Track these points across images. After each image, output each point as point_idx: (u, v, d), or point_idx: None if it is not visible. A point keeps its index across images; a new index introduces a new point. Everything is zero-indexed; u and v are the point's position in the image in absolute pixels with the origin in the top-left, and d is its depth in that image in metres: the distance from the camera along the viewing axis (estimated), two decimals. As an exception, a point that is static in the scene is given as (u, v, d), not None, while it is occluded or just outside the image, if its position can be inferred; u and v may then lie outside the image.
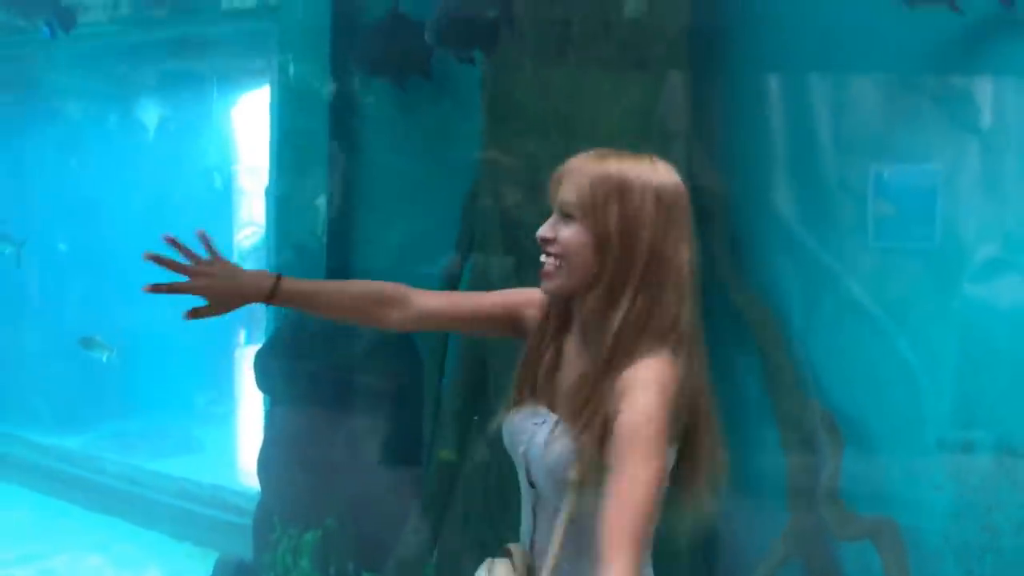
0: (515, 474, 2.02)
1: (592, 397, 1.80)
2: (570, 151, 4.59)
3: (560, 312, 1.98)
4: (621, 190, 1.85)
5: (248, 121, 8.79)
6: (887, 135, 4.29)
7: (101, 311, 8.44)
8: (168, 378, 8.62)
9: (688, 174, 4.20)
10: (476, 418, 4.73)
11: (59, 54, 8.01)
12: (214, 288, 1.96)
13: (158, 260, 1.91)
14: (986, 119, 4.12)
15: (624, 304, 1.82)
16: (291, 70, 5.94)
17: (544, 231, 1.89)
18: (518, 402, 1.99)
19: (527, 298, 2.08)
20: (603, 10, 4.49)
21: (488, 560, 1.99)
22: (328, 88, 5.64)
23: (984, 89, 4.11)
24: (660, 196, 1.86)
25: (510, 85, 4.65)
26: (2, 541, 6.68)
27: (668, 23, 4.43)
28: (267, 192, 6.69)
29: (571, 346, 1.97)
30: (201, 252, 1.97)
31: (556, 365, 1.97)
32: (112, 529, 7.00)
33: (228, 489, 6.94)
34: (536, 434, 1.91)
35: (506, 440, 2.01)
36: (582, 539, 1.79)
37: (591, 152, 1.97)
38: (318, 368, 5.47)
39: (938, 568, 4.12)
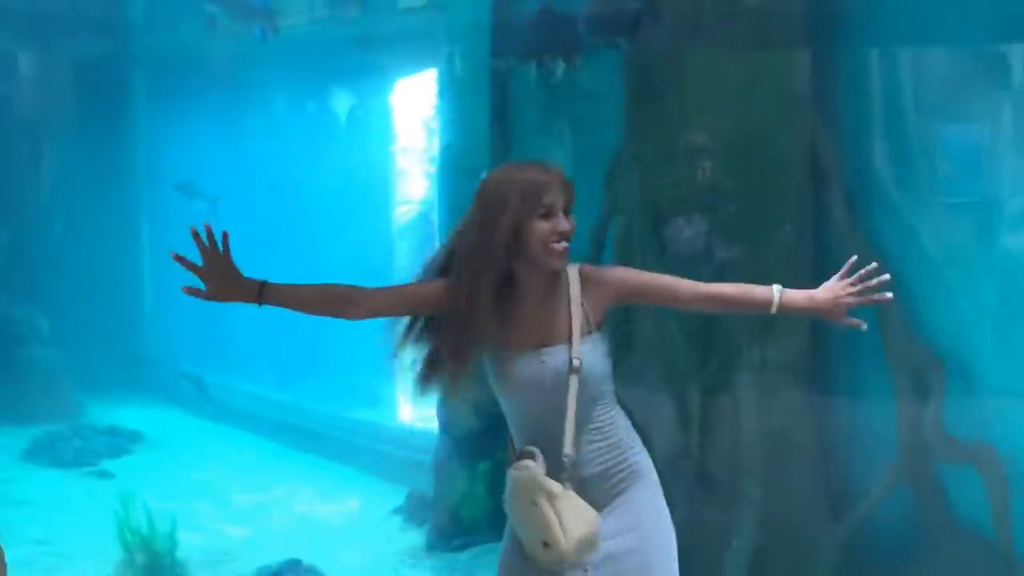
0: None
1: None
2: (702, 126, 5.17)
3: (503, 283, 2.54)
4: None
5: (409, 105, 9.43)
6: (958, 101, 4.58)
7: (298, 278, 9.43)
8: (354, 340, 9.50)
9: (811, 142, 4.72)
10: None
11: (266, 52, 8.95)
12: (213, 277, 2.43)
13: (179, 260, 2.41)
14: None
15: None
16: (456, 60, 6.61)
17: (568, 226, 2.50)
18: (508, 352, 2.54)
19: (436, 288, 2.57)
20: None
21: (513, 466, 2.53)
22: (488, 75, 6.24)
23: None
24: None
25: (649, 67, 5.15)
26: (237, 475, 7.80)
27: (788, 6, 4.84)
28: (437, 169, 7.35)
29: (530, 303, 2.55)
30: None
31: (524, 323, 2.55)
32: (318, 467, 7.92)
33: (413, 431, 7.70)
34: (538, 362, 2.51)
35: (522, 381, 2.53)
36: (588, 410, 2.50)
37: (541, 164, 2.56)
38: None
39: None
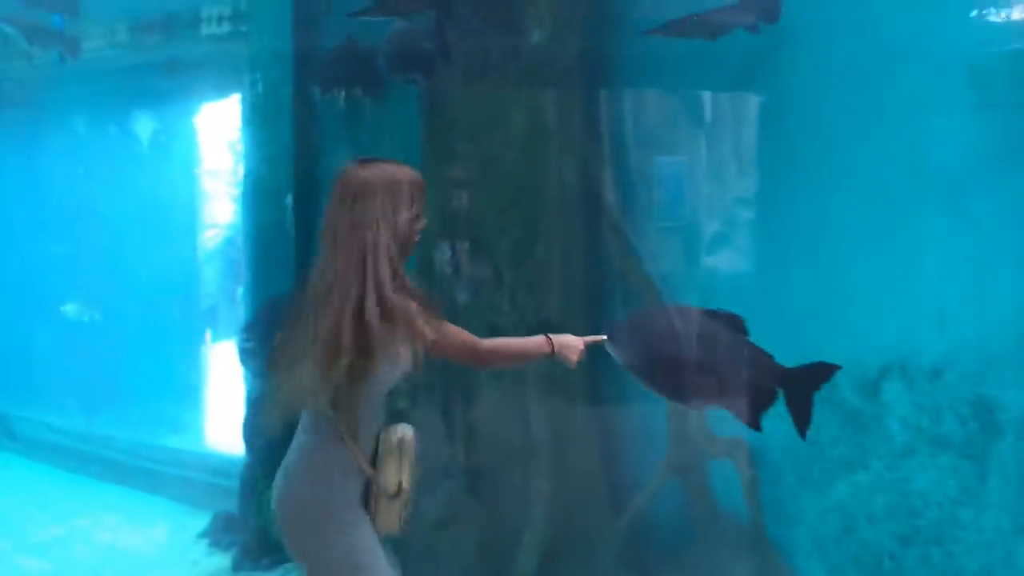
0: None
1: None
2: (490, 154, 5.58)
3: None
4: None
5: (213, 130, 9.49)
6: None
7: (100, 303, 9.25)
8: (156, 367, 9.31)
9: (582, 171, 5.21)
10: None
11: (66, 74, 8.77)
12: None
13: None
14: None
15: None
16: (260, 87, 6.73)
17: None
18: None
19: None
20: (514, 38, 5.38)
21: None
22: (290, 103, 6.43)
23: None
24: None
25: (443, 101, 5.54)
26: (36, 508, 7.54)
27: (561, 48, 5.31)
28: (242, 193, 7.44)
29: None
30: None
31: None
32: (123, 496, 7.76)
33: (217, 456, 7.67)
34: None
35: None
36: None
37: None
38: None
39: (778, 479, 5.01)
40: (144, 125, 9.85)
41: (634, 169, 5.30)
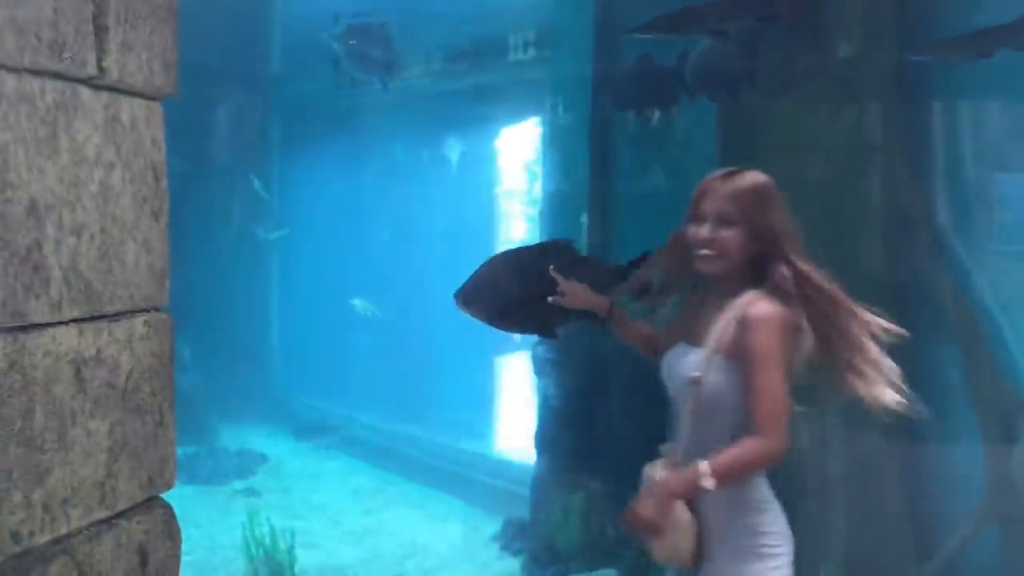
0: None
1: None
2: (793, 171, 5.41)
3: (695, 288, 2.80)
4: (768, 197, 2.62)
5: (513, 152, 9.95)
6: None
7: (415, 314, 9.97)
8: (457, 375, 9.90)
9: (889, 189, 4.90)
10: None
11: (386, 102, 9.58)
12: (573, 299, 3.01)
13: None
14: None
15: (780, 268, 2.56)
16: (560, 110, 6.98)
17: (706, 233, 2.61)
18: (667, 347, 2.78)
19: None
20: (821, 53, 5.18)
21: (651, 463, 2.74)
22: (588, 125, 6.58)
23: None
24: (779, 194, 2.64)
25: (741, 115, 5.45)
26: (351, 499, 8.29)
27: (875, 62, 5.06)
28: (540, 212, 7.71)
29: (708, 307, 2.68)
30: None
31: (696, 318, 2.73)
32: (424, 494, 8.30)
33: (510, 463, 8.01)
34: (681, 359, 2.67)
35: (664, 372, 2.77)
36: (704, 430, 2.57)
37: (720, 173, 2.69)
38: (582, 367, 6.41)
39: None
40: (453, 148, 10.53)
41: (971, 187, 4.89)
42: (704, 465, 2.44)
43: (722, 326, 2.56)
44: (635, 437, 6.08)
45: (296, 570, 5.95)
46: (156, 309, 1.76)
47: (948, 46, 4.72)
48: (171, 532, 1.85)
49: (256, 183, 10.63)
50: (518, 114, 9.02)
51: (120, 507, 1.69)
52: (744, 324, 2.52)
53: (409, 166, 10.75)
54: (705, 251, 2.61)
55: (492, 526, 7.10)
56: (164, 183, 1.77)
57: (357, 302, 10.06)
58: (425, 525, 7.53)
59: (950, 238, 4.99)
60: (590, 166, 6.62)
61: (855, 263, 4.87)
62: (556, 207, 7.15)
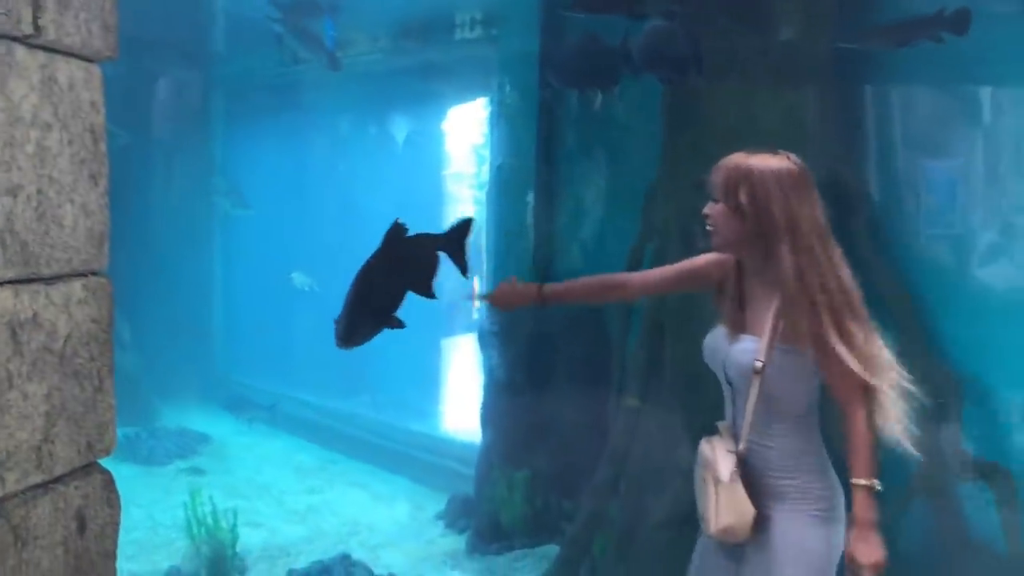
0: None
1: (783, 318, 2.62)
2: (734, 151, 5.48)
3: (737, 267, 2.83)
4: (747, 176, 2.66)
5: (460, 133, 9.90)
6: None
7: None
8: (402, 356, 9.92)
9: (829, 169, 4.98)
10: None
11: (332, 78, 9.52)
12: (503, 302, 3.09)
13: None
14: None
15: (781, 257, 2.60)
16: (507, 88, 6.98)
17: (705, 209, 2.75)
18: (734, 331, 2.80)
19: (706, 260, 2.93)
20: (762, 36, 5.24)
21: (705, 438, 2.82)
22: (536, 103, 6.58)
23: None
24: (779, 178, 2.65)
25: (686, 99, 5.48)
26: (294, 478, 8.27)
27: (814, 47, 5.12)
28: (487, 190, 7.72)
29: (751, 288, 2.76)
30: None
31: (741, 301, 2.79)
32: (369, 473, 8.29)
33: (455, 442, 8.04)
34: (731, 347, 2.74)
35: (707, 354, 2.85)
36: (767, 414, 2.67)
37: (736, 153, 2.75)
38: (526, 341, 6.47)
39: (1043, 509, 4.57)
40: (400, 126, 10.48)
41: (900, 173, 5.01)
42: (863, 480, 2.57)
43: (775, 315, 2.63)
44: (579, 414, 6.20)
45: (238, 548, 5.91)
46: (95, 273, 1.73)
47: (871, 34, 4.82)
48: (110, 499, 1.83)
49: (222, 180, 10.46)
50: (466, 92, 9.00)
51: (58, 472, 1.67)
52: (815, 314, 2.56)
53: (355, 144, 10.67)
54: (709, 227, 2.74)
55: (437, 504, 7.13)
56: (103, 146, 1.75)
57: (296, 276, 9.98)
58: (369, 504, 7.54)
59: (883, 221, 5.13)
60: (536, 145, 6.64)
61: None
62: (503, 185, 7.17)
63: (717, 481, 2.68)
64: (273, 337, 10.54)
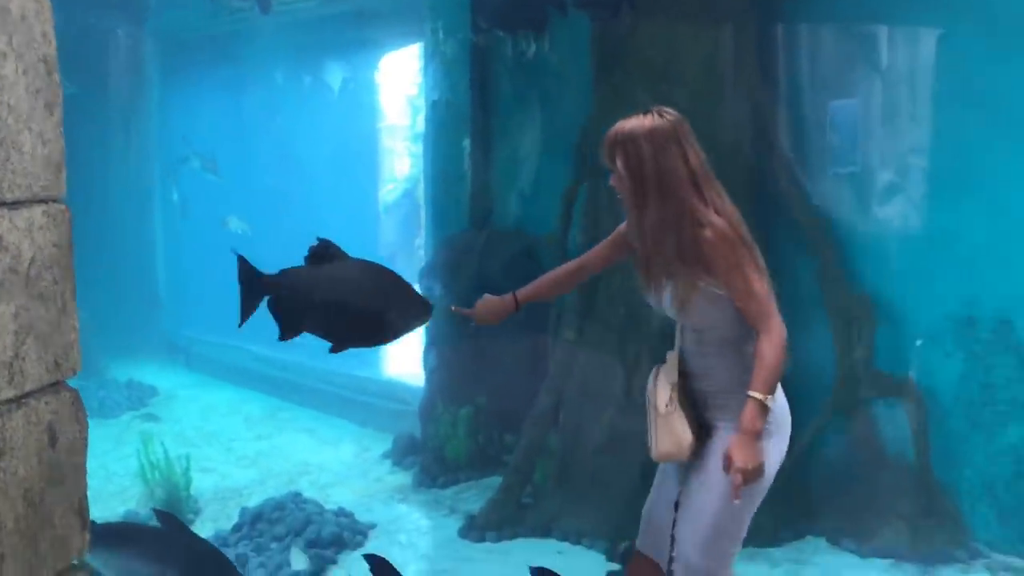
0: None
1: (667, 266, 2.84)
2: (658, 94, 5.65)
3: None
4: (620, 143, 2.87)
5: (394, 82, 9.90)
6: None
7: (295, 241, 9.94)
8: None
9: (752, 107, 5.19)
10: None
11: (265, 28, 9.47)
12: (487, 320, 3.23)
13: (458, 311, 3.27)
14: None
15: (650, 207, 2.83)
16: (440, 34, 7.03)
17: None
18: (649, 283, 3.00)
19: (623, 225, 3.09)
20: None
21: (655, 367, 3.04)
22: (468, 49, 6.65)
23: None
24: (648, 137, 2.84)
25: (614, 42, 5.61)
26: (243, 426, 8.44)
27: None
28: (424, 136, 7.79)
29: None
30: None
31: None
32: (316, 419, 8.48)
33: (400, 384, 8.19)
34: (656, 290, 2.93)
35: (645, 297, 3.03)
36: (700, 344, 2.90)
37: (617, 123, 2.92)
38: (467, 281, 6.57)
39: (949, 420, 4.95)
40: (335, 75, 10.46)
41: (808, 112, 5.26)
42: (756, 393, 2.73)
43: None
44: (520, 350, 6.41)
45: (192, 491, 6.07)
46: (54, 200, 1.86)
47: None
48: (78, 416, 1.98)
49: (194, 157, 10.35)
50: (399, 39, 9.01)
51: (28, 387, 1.81)
52: (699, 252, 2.79)
53: (291, 93, 10.65)
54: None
55: (383, 445, 7.35)
56: (56, 77, 1.85)
57: (230, 220, 10.01)
58: (318, 447, 7.73)
59: (795, 158, 5.39)
60: (471, 92, 6.75)
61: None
62: (439, 125, 7.25)
63: (656, 411, 2.91)
64: (216, 290, 10.55)
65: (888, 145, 5.16)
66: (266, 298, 3.12)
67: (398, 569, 3.25)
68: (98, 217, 9.54)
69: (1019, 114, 4.68)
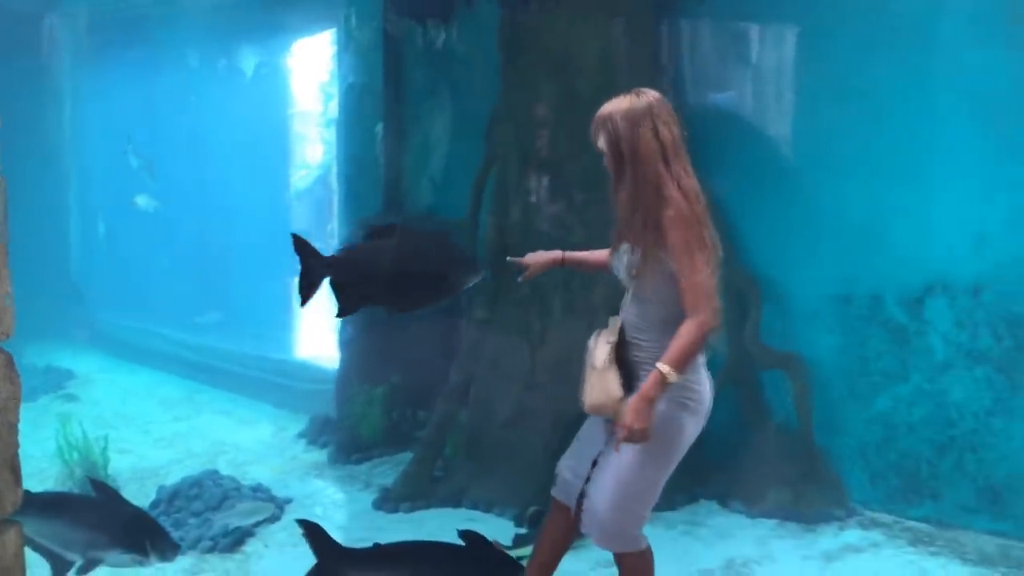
0: None
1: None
2: (561, 83, 5.84)
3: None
4: (601, 124, 3.15)
5: (307, 68, 9.93)
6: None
7: (209, 226, 9.97)
8: (258, 292, 10.12)
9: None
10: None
11: (180, 12, 9.44)
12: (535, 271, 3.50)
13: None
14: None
15: (626, 180, 3.09)
16: (353, 20, 7.16)
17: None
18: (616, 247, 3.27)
19: None
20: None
21: (598, 330, 3.26)
22: (382, 36, 6.79)
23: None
24: (625, 116, 3.10)
25: (520, 31, 5.80)
26: (160, 408, 8.51)
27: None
28: (336, 122, 7.91)
29: None
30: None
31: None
32: (233, 401, 8.59)
33: (314, 366, 8.34)
34: (617, 253, 3.21)
35: (613, 267, 3.28)
36: (641, 315, 3.14)
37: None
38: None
39: (829, 391, 5.35)
40: (248, 59, 10.47)
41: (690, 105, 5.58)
42: (664, 366, 2.96)
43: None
44: (433, 330, 6.60)
45: (110, 471, 6.14)
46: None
47: None
48: (11, 378, 2.16)
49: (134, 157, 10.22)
50: (313, 24, 9.06)
51: (-36, 351, 1.99)
52: (659, 226, 3.02)
53: (205, 77, 10.62)
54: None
55: (299, 425, 7.50)
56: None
57: (140, 199, 10.00)
58: (235, 428, 7.83)
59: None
60: (384, 80, 6.91)
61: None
62: (351, 117, 7.40)
63: (593, 367, 3.16)
64: (131, 274, 10.54)
65: (772, 136, 5.51)
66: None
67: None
68: (11, 201, 9.38)
69: (888, 106, 5.07)
